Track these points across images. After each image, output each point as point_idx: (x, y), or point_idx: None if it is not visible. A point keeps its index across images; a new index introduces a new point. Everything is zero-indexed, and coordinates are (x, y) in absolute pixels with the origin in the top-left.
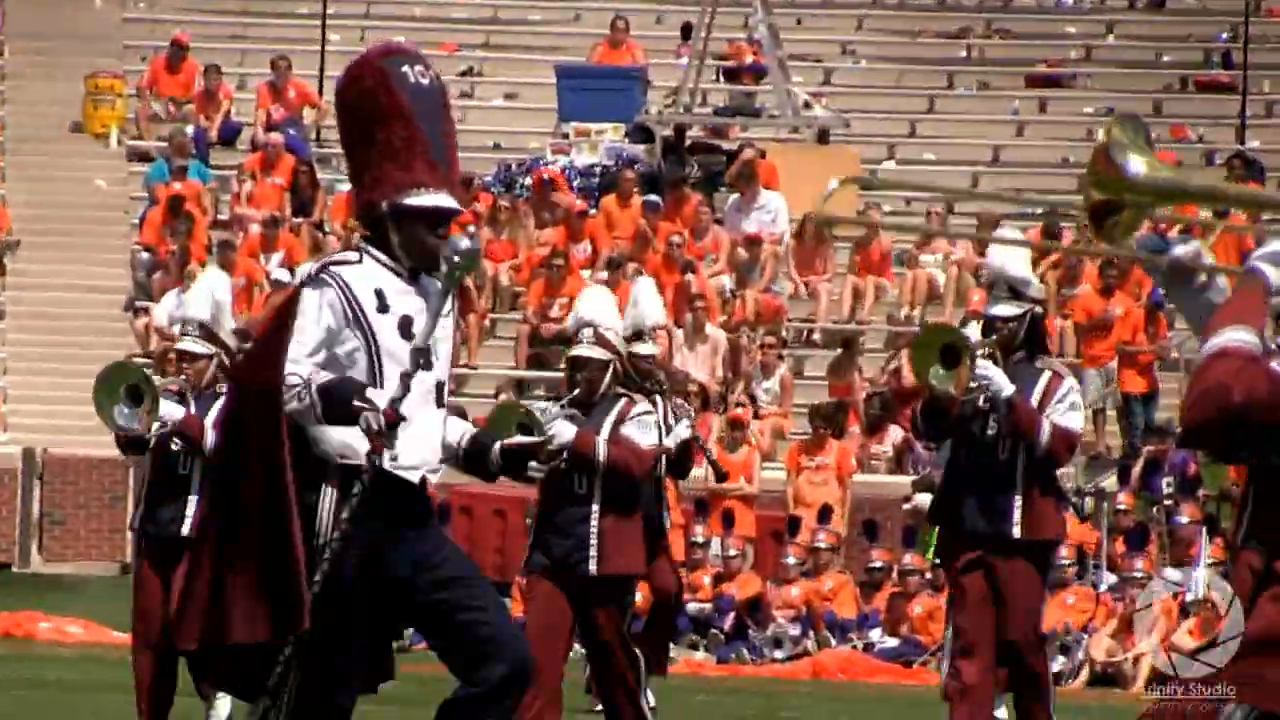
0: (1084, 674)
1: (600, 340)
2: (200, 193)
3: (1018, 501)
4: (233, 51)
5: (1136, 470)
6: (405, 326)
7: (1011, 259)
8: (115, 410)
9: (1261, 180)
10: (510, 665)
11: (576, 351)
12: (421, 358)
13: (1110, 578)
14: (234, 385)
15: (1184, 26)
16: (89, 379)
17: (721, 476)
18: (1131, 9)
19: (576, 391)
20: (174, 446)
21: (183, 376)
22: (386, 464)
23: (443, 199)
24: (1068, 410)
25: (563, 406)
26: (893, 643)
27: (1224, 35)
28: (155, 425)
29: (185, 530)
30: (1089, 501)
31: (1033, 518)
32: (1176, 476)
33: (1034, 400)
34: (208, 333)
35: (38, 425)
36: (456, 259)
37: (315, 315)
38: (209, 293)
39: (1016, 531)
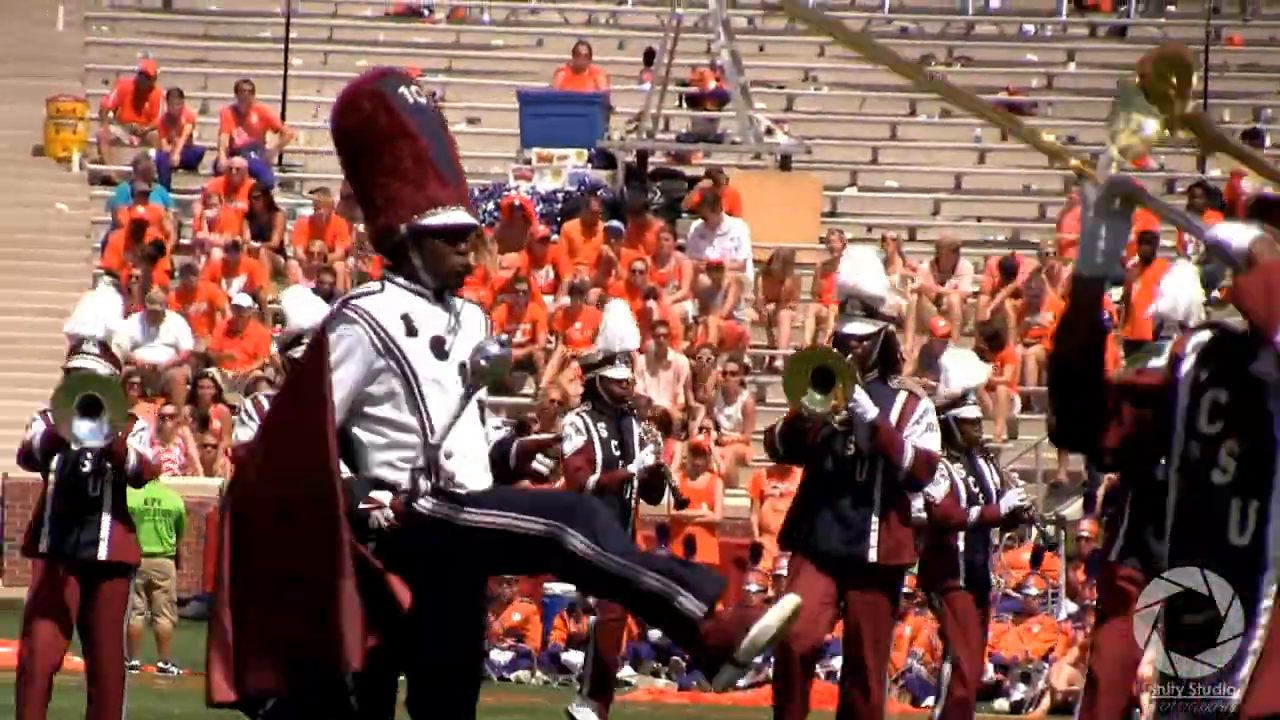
0: (1045, 703)
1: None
2: (163, 217)
3: (874, 524)
4: (196, 75)
5: (1099, 497)
6: (438, 347)
7: (866, 275)
8: (75, 425)
9: (1221, 210)
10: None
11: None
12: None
13: (1071, 606)
14: (270, 459)
15: (1145, 54)
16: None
17: (682, 504)
18: (1092, 37)
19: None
20: (84, 467)
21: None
22: (438, 482)
23: (460, 215)
24: (925, 431)
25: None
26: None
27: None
28: (94, 440)
29: (103, 555)
30: (1049, 530)
31: (890, 542)
32: None
33: (891, 421)
34: (106, 350)
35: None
36: (484, 364)
37: (345, 361)
38: (102, 311)
39: (873, 555)
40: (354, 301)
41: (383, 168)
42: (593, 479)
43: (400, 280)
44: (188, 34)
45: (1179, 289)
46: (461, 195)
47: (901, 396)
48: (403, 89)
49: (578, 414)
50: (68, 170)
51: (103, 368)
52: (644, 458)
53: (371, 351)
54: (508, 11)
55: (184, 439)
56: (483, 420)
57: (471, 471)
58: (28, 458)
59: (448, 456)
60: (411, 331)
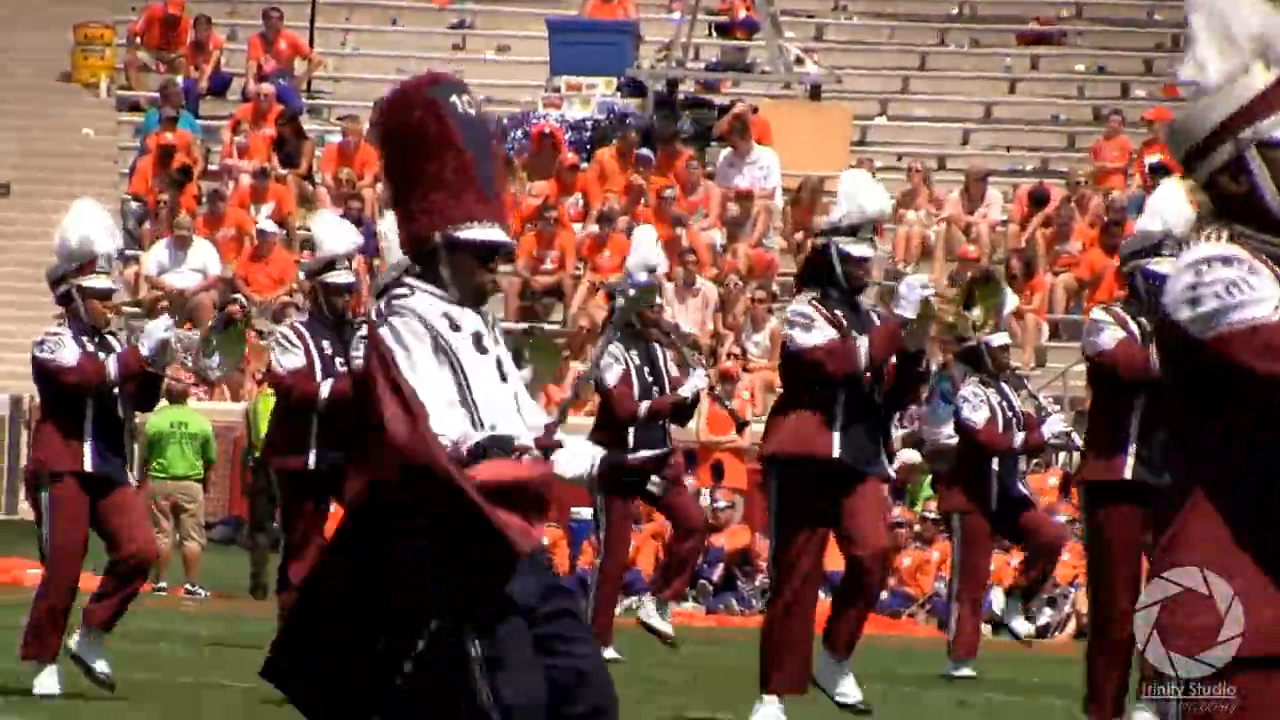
0: (1070, 627)
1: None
2: (190, 143)
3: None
4: (223, 2)
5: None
6: (478, 341)
7: (876, 196)
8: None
9: None
10: (595, 702)
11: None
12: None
13: None
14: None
15: None
16: None
17: (741, 425)
18: None
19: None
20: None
21: (82, 316)
22: None
23: (495, 233)
24: None
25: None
26: (881, 594)
27: None
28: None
29: (88, 467)
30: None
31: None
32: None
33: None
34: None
35: (26, 374)
36: (633, 293)
37: (415, 355)
38: (109, 225)
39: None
40: (394, 302)
41: (425, 175)
42: (644, 404)
43: (426, 287)
44: None
45: (1168, 203)
46: (499, 213)
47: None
48: (455, 97)
49: (611, 341)
50: (95, 96)
51: (115, 284)
52: (695, 381)
53: (431, 345)
54: None
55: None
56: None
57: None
58: (93, 377)
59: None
60: (455, 327)
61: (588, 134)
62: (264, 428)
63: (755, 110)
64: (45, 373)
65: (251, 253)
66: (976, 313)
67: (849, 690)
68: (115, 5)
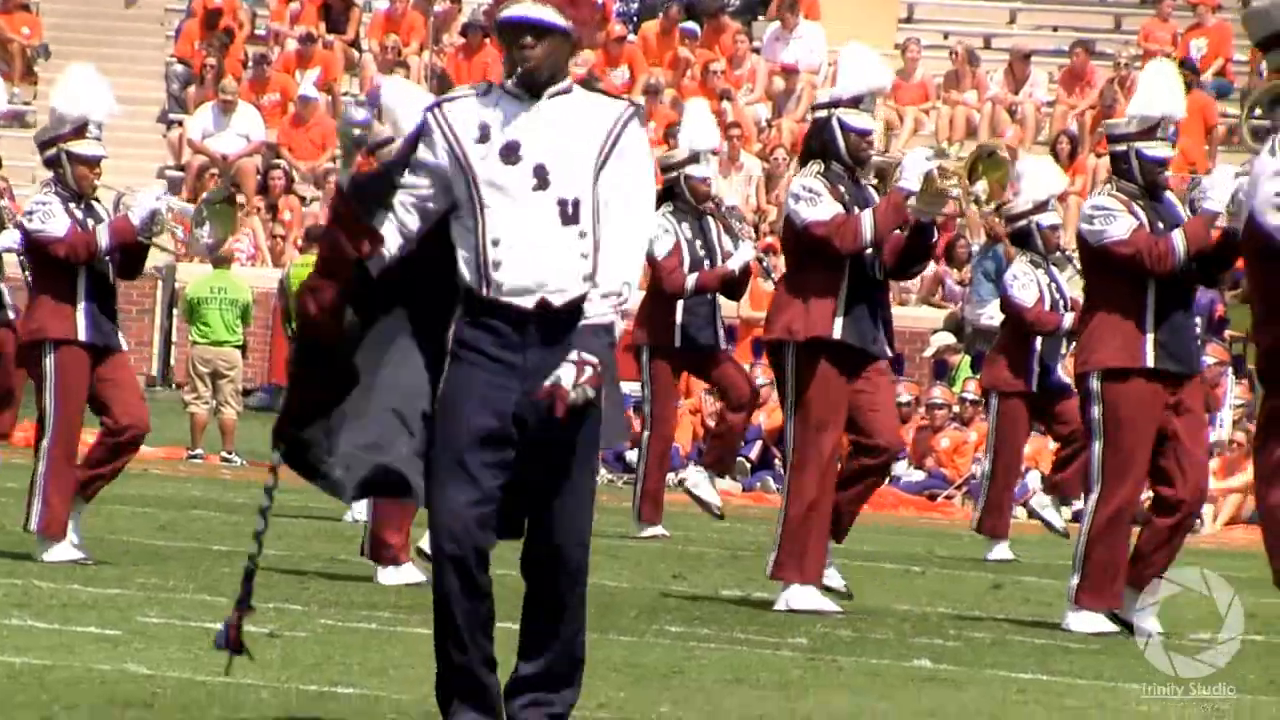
0: None
1: None
2: (237, 7)
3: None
4: None
5: (1218, 313)
6: (509, 152)
7: (881, 70)
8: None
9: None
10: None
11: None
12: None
13: None
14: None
15: None
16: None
17: None
18: None
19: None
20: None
21: (70, 183)
22: (489, 293)
23: (522, 9)
24: None
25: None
26: (918, 476)
27: None
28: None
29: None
30: None
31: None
32: (1204, 318)
33: None
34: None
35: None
36: (341, 127)
37: (417, 170)
38: (104, 90)
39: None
40: (440, 107)
41: None
42: (692, 278)
43: (506, 84)
44: None
45: (1163, 85)
46: None
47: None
48: None
49: (663, 214)
50: None
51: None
52: (743, 253)
53: (445, 158)
54: None
55: (254, 230)
56: (566, 221)
57: (528, 270)
58: (83, 249)
59: (498, 264)
60: (484, 138)
61: (635, 5)
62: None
63: None
64: (35, 243)
65: (294, 118)
66: (981, 185)
67: (832, 576)
68: None
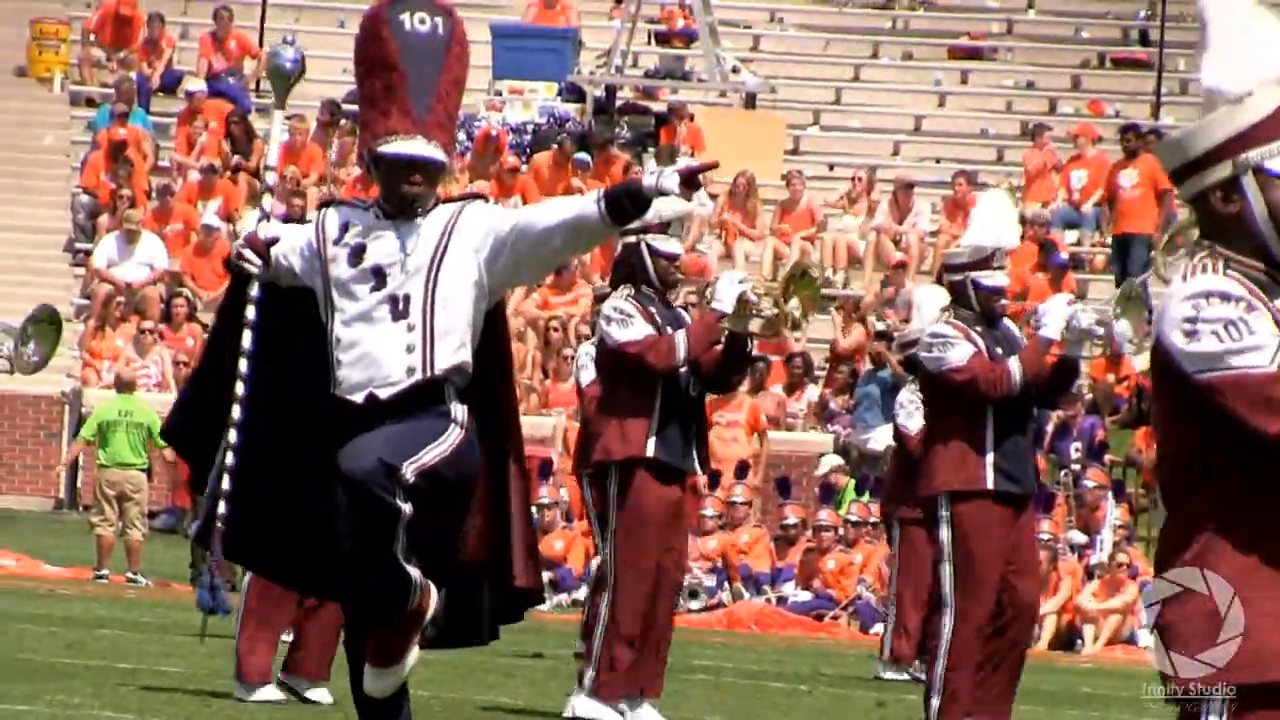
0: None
1: None
2: (141, 138)
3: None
4: (176, 1)
5: (1047, 435)
6: (356, 254)
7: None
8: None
9: None
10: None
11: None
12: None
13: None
14: None
15: (1103, 3)
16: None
17: None
18: None
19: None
20: None
21: None
22: (332, 389)
23: (411, 146)
24: None
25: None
26: (805, 596)
27: (1142, 13)
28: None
29: None
30: None
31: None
32: (1085, 442)
33: None
34: None
35: None
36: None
37: (289, 251)
38: None
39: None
40: (323, 207)
41: (363, 93)
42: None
43: (382, 204)
44: None
45: (997, 217)
46: (425, 127)
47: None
48: (405, 15)
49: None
50: (49, 90)
51: None
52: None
53: (309, 250)
54: None
55: (160, 357)
56: (396, 317)
57: (360, 368)
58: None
59: (341, 360)
60: (339, 241)
61: (528, 137)
62: None
63: (690, 118)
64: None
65: (197, 247)
66: (794, 304)
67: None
68: (70, 1)
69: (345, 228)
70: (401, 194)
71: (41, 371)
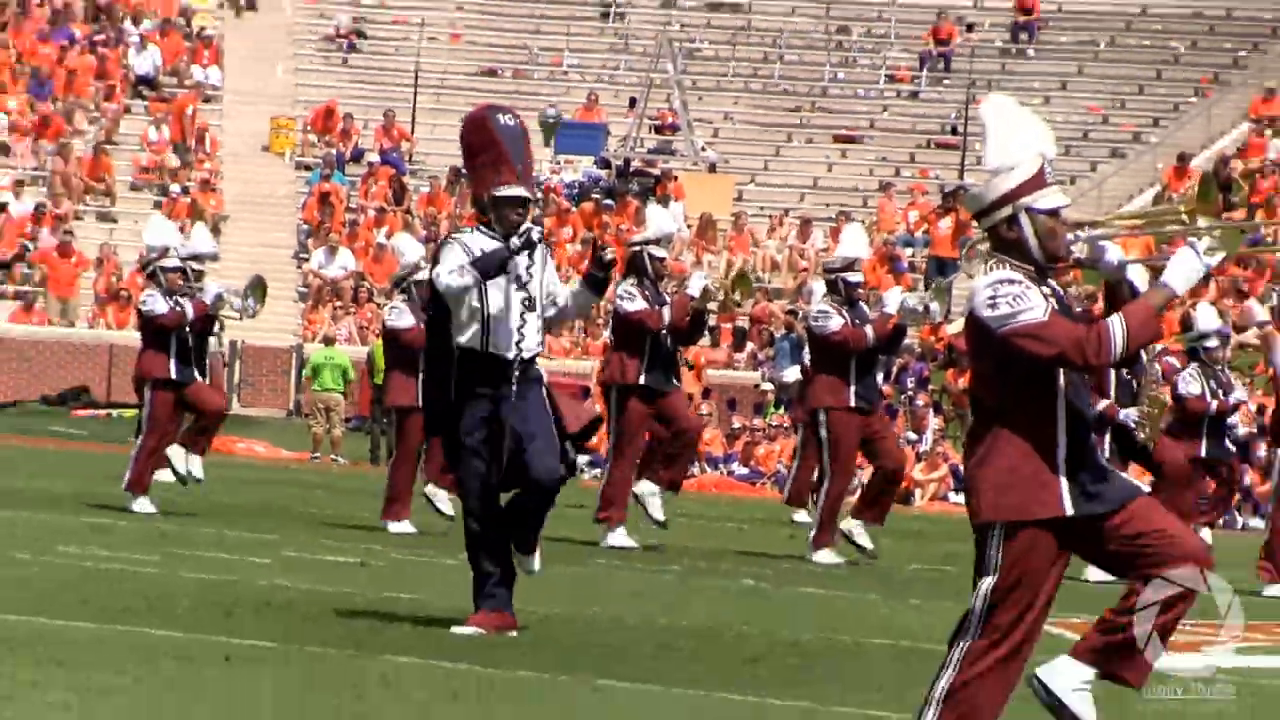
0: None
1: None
2: (339, 190)
3: None
4: (360, 106)
5: (893, 372)
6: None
7: (670, 221)
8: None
9: None
10: (537, 476)
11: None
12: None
13: None
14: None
15: (927, 105)
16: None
17: None
18: (898, 98)
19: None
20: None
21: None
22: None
23: (517, 190)
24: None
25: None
26: (744, 471)
27: (953, 115)
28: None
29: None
30: None
31: None
32: (916, 377)
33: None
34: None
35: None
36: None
37: (447, 259)
38: (174, 229)
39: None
40: (452, 236)
41: (478, 160)
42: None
43: (482, 229)
44: (358, 79)
45: (857, 239)
46: (523, 180)
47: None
48: (499, 115)
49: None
50: (283, 160)
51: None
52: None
53: (464, 258)
54: (549, 70)
55: (349, 323)
56: (529, 309)
57: (507, 341)
58: (175, 320)
59: (493, 334)
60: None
61: (576, 190)
62: (380, 363)
63: (675, 178)
64: (145, 319)
65: (373, 257)
66: (737, 294)
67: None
68: (294, 104)
69: (481, 248)
70: (511, 221)
71: (275, 331)
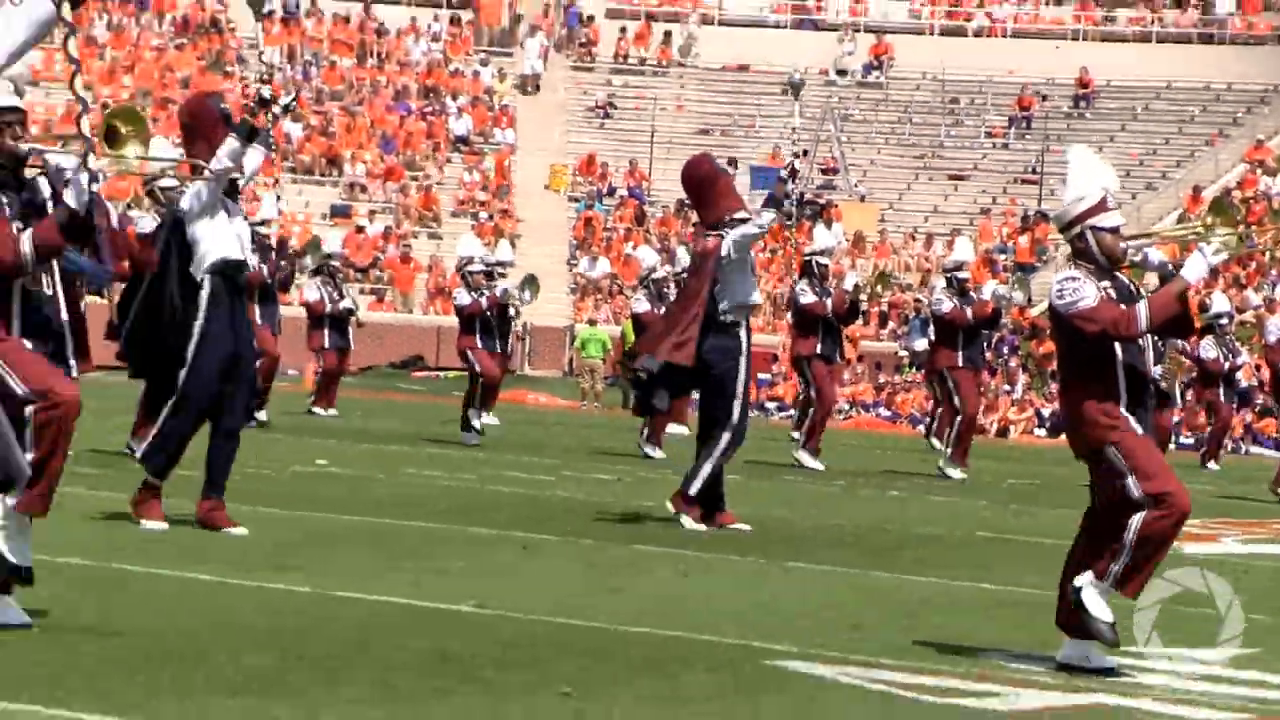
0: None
1: None
2: (598, 216)
3: None
4: (612, 156)
5: (993, 342)
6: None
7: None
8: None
9: None
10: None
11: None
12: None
13: None
14: None
15: (1009, 155)
16: (541, 296)
17: None
18: (994, 148)
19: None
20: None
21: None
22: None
23: (743, 213)
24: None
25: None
26: (886, 413)
27: (1033, 160)
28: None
29: None
30: None
31: None
32: (1008, 345)
33: None
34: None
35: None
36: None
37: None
38: (507, 247)
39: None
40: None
41: (713, 190)
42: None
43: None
44: (610, 137)
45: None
46: (743, 205)
47: None
48: (716, 160)
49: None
50: (558, 195)
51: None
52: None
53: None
54: (745, 130)
55: (607, 310)
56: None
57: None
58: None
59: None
60: None
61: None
62: (630, 338)
63: (836, 206)
64: (456, 308)
65: (623, 262)
66: (879, 289)
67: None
68: (555, 154)
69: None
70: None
71: (555, 315)
